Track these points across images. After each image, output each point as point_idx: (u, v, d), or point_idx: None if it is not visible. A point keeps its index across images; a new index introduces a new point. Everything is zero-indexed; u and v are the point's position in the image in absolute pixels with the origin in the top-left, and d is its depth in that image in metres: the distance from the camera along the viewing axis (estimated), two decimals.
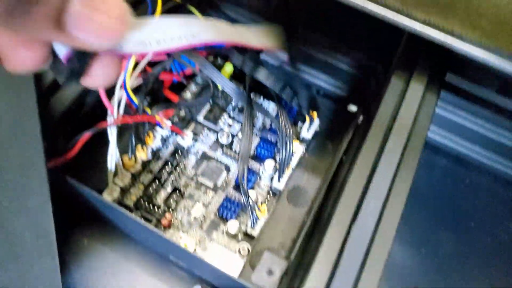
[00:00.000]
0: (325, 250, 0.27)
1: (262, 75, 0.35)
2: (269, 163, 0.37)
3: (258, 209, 0.35)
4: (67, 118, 0.35)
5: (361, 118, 0.40)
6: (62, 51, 0.19)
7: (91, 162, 0.36)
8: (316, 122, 0.40)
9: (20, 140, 0.27)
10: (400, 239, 0.39)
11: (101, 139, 0.34)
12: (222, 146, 0.39)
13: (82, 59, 0.19)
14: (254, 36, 0.35)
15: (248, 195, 0.34)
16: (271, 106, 0.41)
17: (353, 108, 0.43)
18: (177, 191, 0.37)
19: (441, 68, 0.33)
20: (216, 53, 0.42)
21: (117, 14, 0.17)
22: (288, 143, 0.35)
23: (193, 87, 0.40)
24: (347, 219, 0.28)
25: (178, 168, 0.37)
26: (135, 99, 0.36)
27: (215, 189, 0.37)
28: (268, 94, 0.41)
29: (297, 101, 0.38)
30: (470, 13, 0.25)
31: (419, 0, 0.26)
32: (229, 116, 0.41)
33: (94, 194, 0.31)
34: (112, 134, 0.34)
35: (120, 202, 0.35)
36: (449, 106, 0.41)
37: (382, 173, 0.27)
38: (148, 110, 0.36)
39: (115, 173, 0.35)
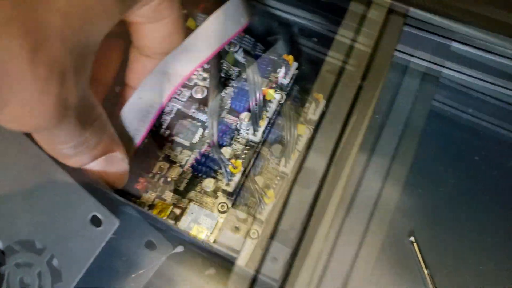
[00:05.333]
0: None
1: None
2: (245, 115, 0.35)
3: (232, 165, 0.33)
4: None
5: None
6: None
7: None
8: (294, 66, 0.37)
9: None
10: (397, 180, 0.36)
11: None
12: (197, 101, 0.37)
13: None
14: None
15: (218, 149, 0.33)
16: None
17: None
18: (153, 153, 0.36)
19: None
20: None
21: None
22: (257, 92, 0.33)
23: None
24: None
25: (152, 129, 0.36)
26: None
27: (191, 147, 0.36)
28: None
29: (261, 47, 0.35)
30: None
31: None
32: (203, 69, 0.38)
33: None
34: None
35: None
36: None
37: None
38: None
39: None
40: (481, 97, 0.39)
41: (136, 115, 0.31)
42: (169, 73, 0.31)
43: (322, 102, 0.37)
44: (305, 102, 0.37)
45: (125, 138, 0.31)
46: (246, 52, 0.34)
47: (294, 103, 0.37)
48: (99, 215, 0.29)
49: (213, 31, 0.33)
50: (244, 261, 0.30)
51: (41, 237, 0.28)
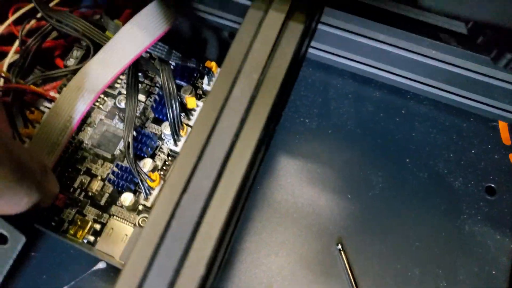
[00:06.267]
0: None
1: None
2: (166, 125, 0.34)
3: (149, 178, 0.32)
4: None
5: None
6: None
7: None
8: (218, 71, 0.36)
9: None
10: (324, 185, 0.35)
11: None
12: (121, 111, 0.36)
13: None
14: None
15: (134, 163, 0.31)
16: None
17: None
18: (73, 167, 0.34)
19: None
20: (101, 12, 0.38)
21: None
22: (173, 102, 0.32)
23: (76, 53, 0.36)
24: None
25: (73, 142, 0.35)
26: (4, 73, 0.33)
27: (112, 160, 0.35)
28: None
29: (179, 56, 0.34)
30: None
31: None
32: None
33: None
34: None
35: None
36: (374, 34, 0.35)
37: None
38: (22, 82, 0.34)
39: None
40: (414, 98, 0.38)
41: (54, 129, 0.30)
42: (85, 85, 0.30)
43: (217, 71, 0.36)
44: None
45: (44, 153, 0.31)
46: (161, 60, 0.33)
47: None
48: (4, 232, 0.28)
49: (129, 40, 0.32)
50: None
51: None
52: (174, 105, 0.32)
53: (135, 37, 0.31)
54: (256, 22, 0.25)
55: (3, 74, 0.33)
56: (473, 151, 0.37)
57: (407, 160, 0.36)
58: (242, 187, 0.21)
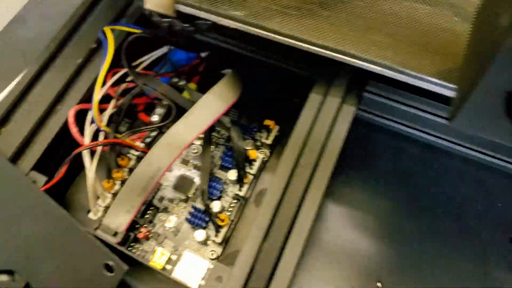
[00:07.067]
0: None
1: None
2: (232, 173, 0.41)
3: (219, 218, 0.38)
4: (51, 152, 0.40)
5: None
6: None
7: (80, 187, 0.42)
8: (275, 128, 0.42)
9: None
10: (365, 229, 0.41)
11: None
12: (190, 160, 0.43)
13: None
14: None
15: (208, 207, 0.38)
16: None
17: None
18: (154, 205, 0.41)
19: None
20: (182, 75, 0.46)
21: None
22: (239, 156, 0.38)
23: (159, 110, 0.44)
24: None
25: None
26: (105, 128, 0.40)
27: (186, 200, 0.41)
28: None
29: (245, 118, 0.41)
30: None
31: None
32: None
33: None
34: (87, 161, 0.39)
35: None
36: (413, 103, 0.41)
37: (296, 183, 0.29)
38: (118, 135, 0.41)
39: (99, 195, 0.40)
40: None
41: (144, 176, 0.37)
42: (173, 143, 0.37)
43: (275, 128, 0.42)
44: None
45: (134, 195, 0.38)
46: (231, 121, 0.40)
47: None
48: (111, 263, 0.34)
49: (208, 107, 0.39)
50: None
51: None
52: (241, 158, 0.39)
53: (213, 105, 0.38)
54: (316, 106, 0.31)
55: (105, 129, 0.40)
56: (499, 204, 0.41)
57: (439, 210, 0.41)
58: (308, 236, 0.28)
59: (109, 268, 0.33)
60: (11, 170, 0.37)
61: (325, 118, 0.30)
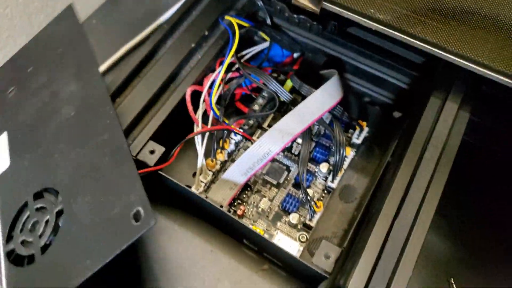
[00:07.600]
0: (372, 240, 0.34)
1: None
2: (324, 165, 0.44)
3: (315, 204, 0.42)
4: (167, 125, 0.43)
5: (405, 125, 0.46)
6: None
7: (182, 164, 0.44)
8: (365, 129, 0.46)
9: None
10: (438, 231, 0.44)
11: (190, 145, 0.43)
12: (284, 149, 0.46)
13: None
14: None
15: (307, 192, 0.41)
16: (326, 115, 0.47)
17: (397, 114, 0.49)
18: (248, 187, 0.44)
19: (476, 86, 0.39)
20: (279, 70, 0.49)
21: None
22: (341, 149, 0.42)
23: (260, 100, 0.47)
24: (391, 215, 0.35)
25: None
26: (217, 112, 0.44)
27: (278, 186, 0.44)
28: None
29: (347, 115, 0.44)
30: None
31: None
32: None
33: (182, 187, 0.39)
34: (199, 142, 0.42)
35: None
36: None
37: (420, 178, 0.34)
38: (226, 120, 0.44)
39: (200, 172, 0.43)
40: None
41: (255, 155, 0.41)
42: (285, 130, 0.40)
43: (366, 129, 0.46)
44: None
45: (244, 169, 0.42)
46: (334, 116, 0.44)
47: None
48: (141, 211, 0.28)
49: (319, 101, 0.42)
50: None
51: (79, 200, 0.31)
52: (341, 152, 0.42)
53: (323, 100, 0.42)
54: (435, 112, 0.35)
55: (217, 112, 0.44)
56: None
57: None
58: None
59: (136, 216, 0.29)
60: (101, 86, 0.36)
61: (444, 124, 0.34)
